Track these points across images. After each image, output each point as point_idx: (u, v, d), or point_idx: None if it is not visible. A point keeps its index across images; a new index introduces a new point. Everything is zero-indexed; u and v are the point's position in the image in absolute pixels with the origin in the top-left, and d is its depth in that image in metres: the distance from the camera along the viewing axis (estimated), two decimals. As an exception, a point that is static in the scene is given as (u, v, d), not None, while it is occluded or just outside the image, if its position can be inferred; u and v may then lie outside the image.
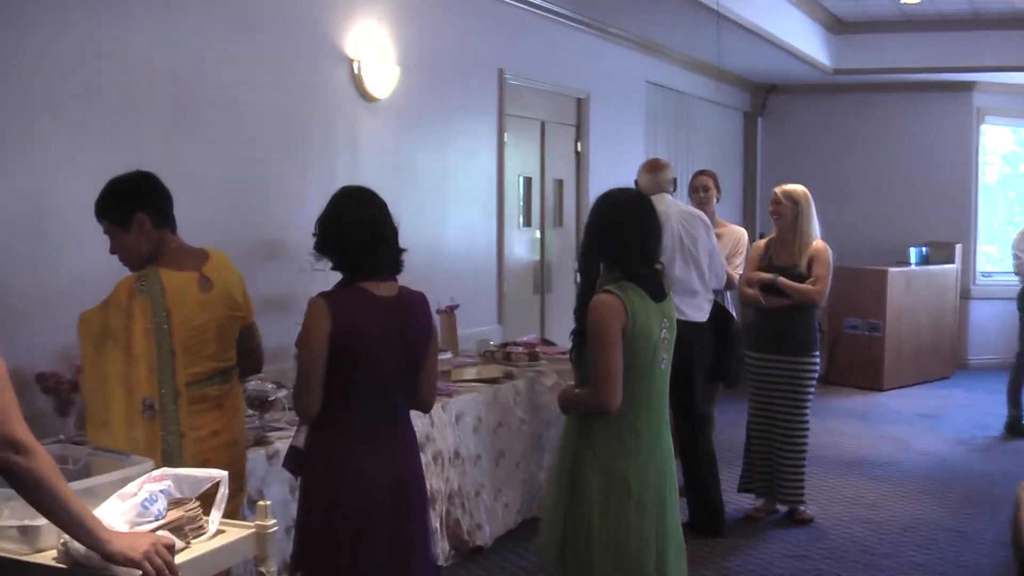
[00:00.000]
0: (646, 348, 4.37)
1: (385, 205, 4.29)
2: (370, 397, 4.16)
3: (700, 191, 8.30)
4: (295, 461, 4.28)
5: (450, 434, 6.46)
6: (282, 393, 5.66)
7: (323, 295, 4.16)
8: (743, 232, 8.61)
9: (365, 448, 4.14)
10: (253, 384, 5.59)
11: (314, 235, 4.31)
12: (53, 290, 5.18)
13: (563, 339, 9.79)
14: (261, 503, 3.41)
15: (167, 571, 2.92)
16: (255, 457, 5.05)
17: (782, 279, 7.49)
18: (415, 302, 4.31)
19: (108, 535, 2.90)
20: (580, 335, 4.48)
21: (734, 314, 8.11)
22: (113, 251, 4.38)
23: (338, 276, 6.30)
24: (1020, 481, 7.44)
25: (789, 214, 7.64)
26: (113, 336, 4.18)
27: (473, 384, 7.02)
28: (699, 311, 7.31)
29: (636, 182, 7.43)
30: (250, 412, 5.57)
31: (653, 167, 7.54)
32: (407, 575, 4.26)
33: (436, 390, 4.55)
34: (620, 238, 4.42)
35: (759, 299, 7.61)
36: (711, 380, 7.80)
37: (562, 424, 7.34)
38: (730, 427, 10.28)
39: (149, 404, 4.17)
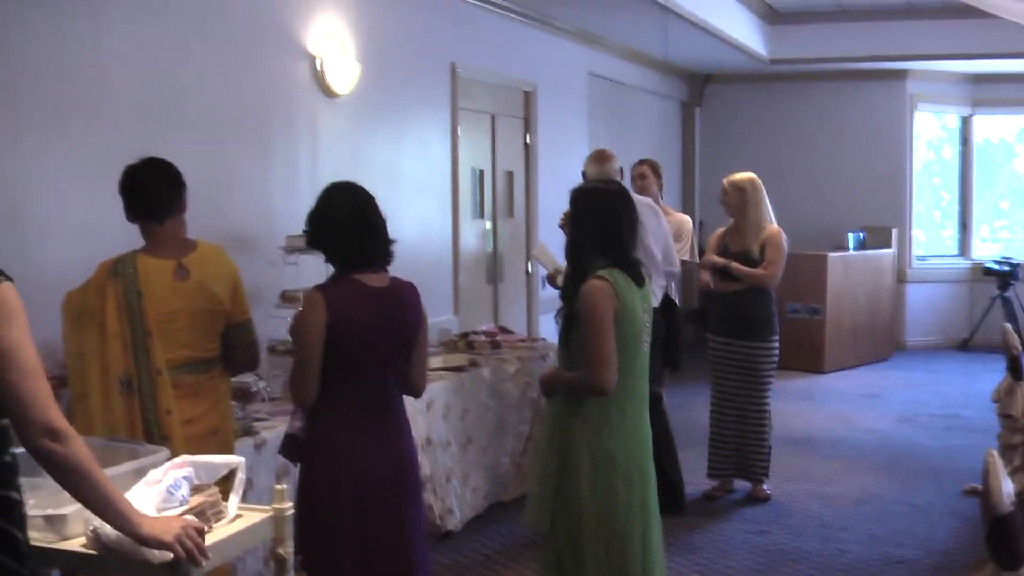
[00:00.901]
0: (632, 330, 4.59)
1: (373, 198, 4.44)
2: (365, 384, 4.32)
3: (638, 179, 8.41)
4: (291, 447, 4.41)
5: (421, 421, 6.59)
6: (263, 384, 5.78)
7: (319, 288, 4.30)
8: (687, 219, 8.80)
9: (362, 433, 4.29)
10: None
11: (305, 231, 4.45)
12: (32, 285, 5.19)
13: (518, 327, 10.00)
14: (277, 487, 3.51)
15: (197, 552, 3.02)
16: (242, 447, 5.15)
17: (734, 264, 7.71)
18: (406, 291, 4.46)
19: (141, 519, 2.98)
20: (569, 318, 4.65)
21: (676, 300, 8.27)
22: None
23: (314, 269, 6.46)
24: (988, 448, 7.66)
25: (736, 202, 7.87)
26: (89, 314, 4.39)
27: (441, 372, 7.16)
28: (652, 296, 7.50)
29: (584, 172, 7.54)
30: (232, 404, 5.68)
31: (601, 157, 7.66)
32: (407, 555, 4.40)
33: (425, 375, 4.69)
34: (611, 228, 4.68)
35: (710, 283, 7.82)
36: (661, 364, 7.95)
37: (524, 409, 7.57)
38: (687, 409, 10.53)
39: (126, 381, 4.35)
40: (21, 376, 2.75)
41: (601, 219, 4.70)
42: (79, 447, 2.87)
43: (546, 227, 11.11)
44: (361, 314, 4.25)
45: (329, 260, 4.41)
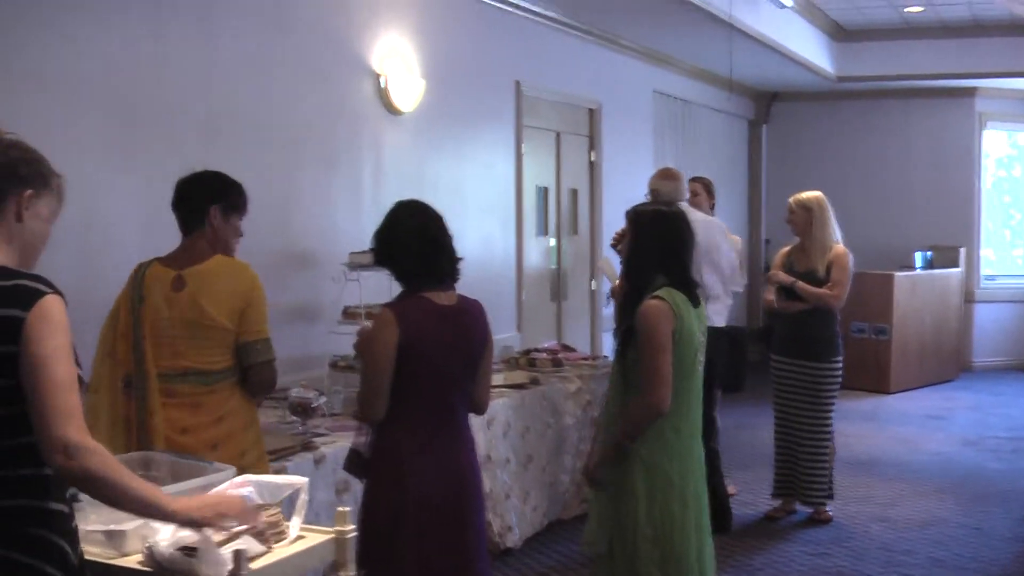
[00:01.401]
0: (689, 351, 4.60)
1: (441, 216, 4.43)
2: (433, 402, 4.32)
3: (690, 197, 8.39)
4: (356, 463, 4.45)
5: (482, 438, 6.59)
6: (323, 400, 5.80)
7: (390, 306, 4.29)
8: (738, 239, 8.81)
9: (428, 450, 4.29)
10: (296, 391, 5.74)
11: (372, 248, 4.46)
12: (96, 295, 5.18)
13: (581, 345, 10.01)
14: (340, 509, 3.51)
15: (221, 521, 3.02)
16: (301, 462, 5.19)
17: (800, 283, 7.65)
18: (473, 310, 4.46)
19: (170, 501, 2.95)
20: (627, 336, 4.66)
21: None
22: None
23: (375, 286, 6.50)
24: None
25: (802, 222, 7.81)
26: (113, 313, 4.49)
27: (502, 389, 7.16)
28: (720, 316, 7.51)
29: (654, 190, 7.53)
30: (292, 418, 5.73)
31: (672, 175, 7.67)
32: (470, 572, 4.41)
33: (489, 393, 4.71)
34: (673, 249, 4.71)
35: (774, 302, 7.78)
36: (719, 385, 7.91)
37: (585, 427, 7.57)
38: (750, 430, 10.49)
39: (128, 380, 4.41)
40: (48, 388, 2.75)
41: (662, 240, 4.73)
42: (95, 458, 2.80)
43: (610, 245, 11.13)
44: (431, 332, 4.25)
45: (397, 278, 4.41)
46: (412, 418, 4.28)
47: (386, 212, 4.46)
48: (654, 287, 4.61)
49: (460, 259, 4.44)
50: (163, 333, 4.42)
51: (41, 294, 2.81)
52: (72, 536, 2.93)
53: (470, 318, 4.42)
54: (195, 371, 4.42)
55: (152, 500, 2.92)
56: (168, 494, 3.05)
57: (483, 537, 4.57)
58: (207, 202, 4.52)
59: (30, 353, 2.75)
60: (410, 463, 4.25)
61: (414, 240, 4.32)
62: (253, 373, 4.48)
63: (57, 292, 2.85)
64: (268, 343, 4.52)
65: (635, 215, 4.87)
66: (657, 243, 4.73)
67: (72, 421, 2.77)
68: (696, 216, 7.47)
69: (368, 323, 4.67)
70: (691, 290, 4.71)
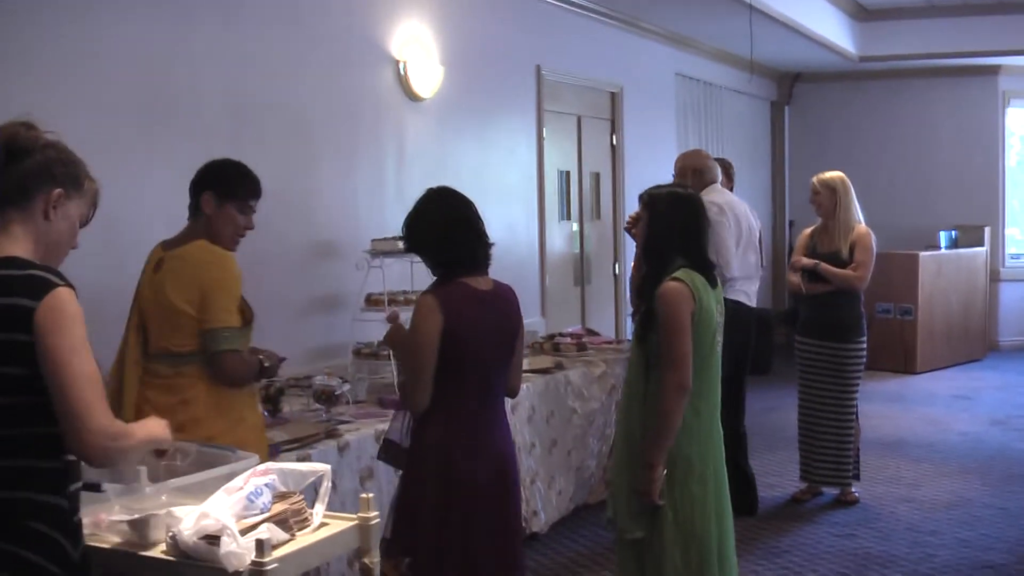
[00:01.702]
0: (707, 332, 4.60)
1: (472, 203, 4.44)
2: (476, 387, 4.32)
3: None
4: (391, 453, 4.48)
5: (506, 423, 6.60)
6: (347, 387, 5.82)
7: (432, 293, 4.27)
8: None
9: (473, 436, 4.30)
10: (320, 379, 5.77)
11: (404, 236, 4.45)
12: (119, 287, 5.18)
13: (605, 329, 10.00)
14: (363, 496, 3.52)
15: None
16: (325, 449, 5.20)
17: (823, 265, 7.62)
18: (508, 295, 4.47)
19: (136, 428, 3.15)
20: (647, 318, 4.66)
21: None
22: None
23: (399, 273, 6.52)
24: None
25: (827, 202, 7.77)
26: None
27: (526, 374, 7.14)
28: (754, 296, 7.52)
29: (695, 169, 7.45)
30: (316, 406, 5.75)
31: (707, 156, 7.73)
32: (513, 555, 4.44)
33: (521, 377, 4.72)
34: (690, 231, 4.71)
35: (800, 285, 7.75)
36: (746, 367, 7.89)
37: (610, 412, 7.57)
38: (776, 412, 10.50)
39: (122, 359, 4.50)
40: (75, 383, 2.81)
41: (680, 222, 4.73)
42: (134, 438, 3.01)
43: (624, 228, 11.11)
44: (473, 318, 4.26)
45: (433, 265, 4.40)
46: (456, 405, 4.29)
47: (417, 199, 4.44)
48: (672, 269, 4.61)
49: (492, 244, 4.45)
50: (146, 313, 4.46)
51: (53, 285, 2.84)
52: (72, 531, 2.96)
53: (506, 303, 4.43)
54: (167, 353, 4.41)
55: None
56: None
57: (520, 520, 4.59)
58: (202, 187, 4.51)
59: (51, 347, 2.79)
60: (456, 450, 4.26)
61: (451, 226, 4.33)
62: (212, 362, 4.39)
63: (69, 284, 2.89)
64: (228, 333, 4.39)
65: (650, 198, 4.86)
66: (675, 225, 4.72)
67: (108, 411, 2.88)
68: (734, 198, 7.51)
69: (396, 310, 4.65)
70: (709, 272, 4.71)
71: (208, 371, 4.41)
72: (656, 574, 4.62)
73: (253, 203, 4.57)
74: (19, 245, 2.93)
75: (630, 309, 5.51)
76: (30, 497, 2.87)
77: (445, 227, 4.33)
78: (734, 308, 7.09)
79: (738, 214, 7.38)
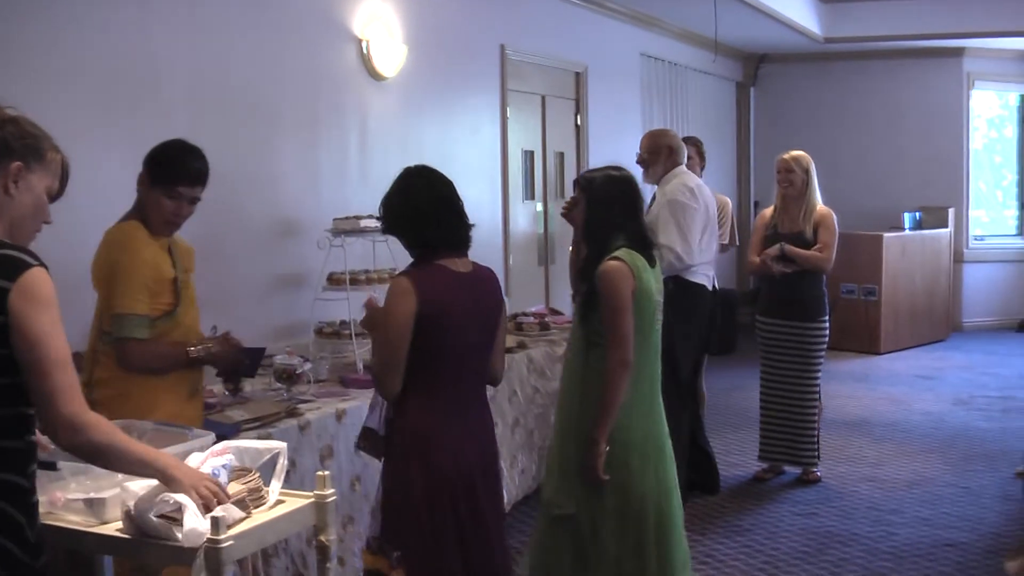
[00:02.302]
0: (647, 309, 4.64)
1: (452, 183, 4.33)
2: (456, 372, 4.20)
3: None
4: (371, 442, 4.37)
5: (468, 403, 6.59)
6: (308, 367, 5.80)
7: (407, 274, 4.16)
8: (727, 200, 8.85)
9: (454, 421, 4.18)
10: (280, 358, 5.74)
11: (381, 216, 4.33)
12: (73, 269, 5.19)
13: (568, 308, 9.96)
14: (320, 473, 3.50)
15: (214, 500, 3.13)
16: (286, 428, 5.18)
17: (789, 247, 7.62)
18: (488, 277, 4.37)
19: (170, 466, 3.12)
20: (589, 296, 4.68)
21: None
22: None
23: (360, 252, 6.49)
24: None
25: (799, 181, 7.74)
26: None
27: (489, 354, 7.14)
28: (713, 278, 7.49)
29: (667, 146, 7.33)
30: (278, 385, 5.73)
31: (677, 136, 7.62)
32: (501, 539, 4.39)
33: (504, 362, 4.61)
34: (629, 210, 4.75)
35: (770, 268, 7.71)
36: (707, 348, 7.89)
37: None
38: (738, 391, 10.54)
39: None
40: (48, 366, 2.81)
41: (618, 203, 4.75)
42: (99, 431, 2.95)
43: (561, 214, 11.11)
44: (451, 301, 4.12)
45: (411, 246, 4.27)
46: (434, 392, 4.17)
47: (395, 178, 4.33)
48: (612, 249, 4.62)
49: (473, 225, 4.34)
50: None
51: (27, 265, 2.83)
52: (31, 511, 2.95)
53: (486, 285, 4.34)
54: (104, 331, 4.36)
55: (151, 462, 3.07)
56: (168, 456, 3.17)
57: (503, 502, 4.56)
58: (143, 166, 4.45)
59: (24, 330, 2.79)
60: (439, 437, 4.15)
61: (433, 207, 4.21)
62: (115, 348, 4.32)
63: (42, 264, 2.87)
64: (131, 320, 4.29)
65: (586, 181, 4.85)
66: (613, 207, 4.73)
67: (75, 397, 2.87)
68: (701, 181, 7.42)
69: (373, 295, 4.55)
70: (648, 251, 4.74)
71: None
72: (597, 546, 4.63)
73: (184, 190, 4.40)
74: None
75: (571, 291, 5.48)
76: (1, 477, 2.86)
77: (427, 207, 4.19)
78: (697, 291, 7.13)
79: (706, 198, 7.30)
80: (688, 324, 7.07)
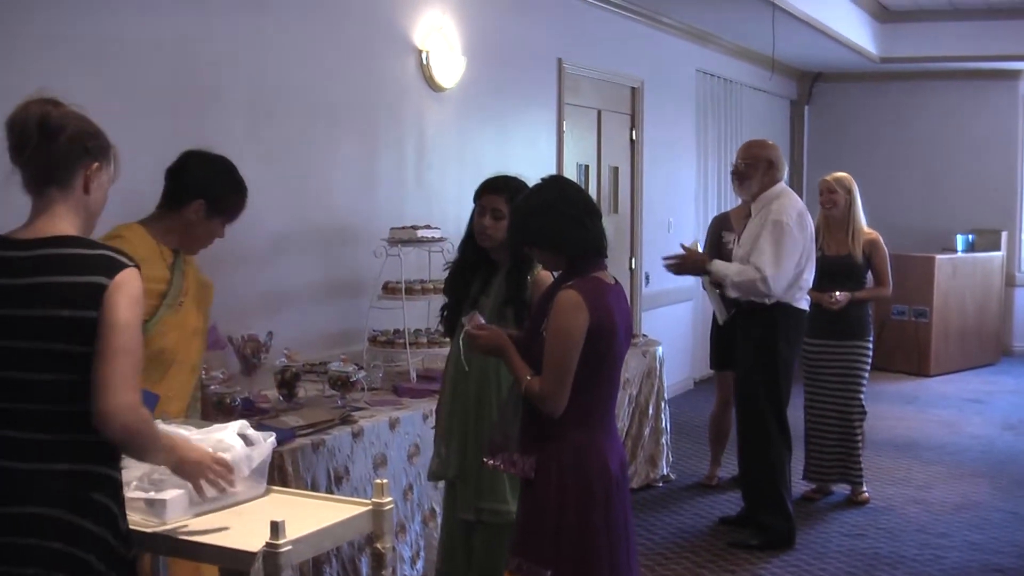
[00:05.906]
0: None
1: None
2: (608, 385, 4.09)
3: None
4: (508, 460, 4.16)
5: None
6: (362, 374, 5.82)
7: (576, 288, 3.94)
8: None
9: (606, 434, 4.09)
10: (335, 365, 5.77)
11: (519, 226, 4.17)
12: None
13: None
14: (378, 481, 3.53)
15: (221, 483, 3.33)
16: (340, 434, 5.23)
17: (857, 295, 7.72)
18: (623, 289, 4.22)
19: (182, 450, 3.26)
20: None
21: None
22: None
23: (416, 262, 6.52)
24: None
25: (843, 201, 7.75)
26: None
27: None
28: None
29: (763, 159, 7.00)
30: (332, 392, 5.76)
31: (779, 149, 7.28)
32: (635, 551, 4.27)
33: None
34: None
35: (832, 306, 7.62)
36: None
37: (626, 405, 7.55)
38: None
39: None
40: (115, 355, 2.88)
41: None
42: (154, 430, 3.10)
43: (651, 222, 11.13)
44: (615, 315, 3.98)
45: (561, 257, 4.09)
46: (591, 404, 4.02)
47: (532, 188, 4.19)
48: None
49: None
50: None
51: (124, 265, 2.95)
52: (122, 502, 3.05)
53: (625, 297, 4.21)
54: None
55: (168, 453, 3.18)
56: (184, 448, 3.27)
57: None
58: (193, 191, 4.31)
59: (107, 317, 2.88)
60: (596, 452, 4.01)
61: (588, 217, 4.06)
62: None
63: (136, 265, 2.99)
64: None
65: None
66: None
67: (133, 386, 2.94)
68: (804, 207, 7.06)
69: (475, 312, 4.28)
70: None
71: None
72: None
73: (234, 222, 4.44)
74: (67, 222, 3.01)
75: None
76: (92, 469, 2.96)
77: (582, 217, 4.03)
78: (802, 319, 6.94)
79: (810, 225, 6.96)
80: (792, 352, 6.90)
